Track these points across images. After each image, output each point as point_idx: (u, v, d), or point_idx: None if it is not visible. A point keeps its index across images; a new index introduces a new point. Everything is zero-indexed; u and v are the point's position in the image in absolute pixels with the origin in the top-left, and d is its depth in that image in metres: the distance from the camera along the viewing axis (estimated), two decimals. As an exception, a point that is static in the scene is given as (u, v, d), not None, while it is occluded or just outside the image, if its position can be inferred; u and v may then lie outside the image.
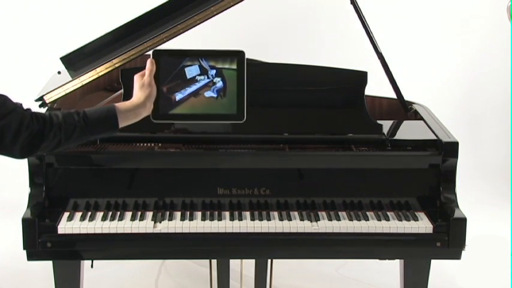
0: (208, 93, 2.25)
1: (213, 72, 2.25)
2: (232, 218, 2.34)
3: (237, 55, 2.26)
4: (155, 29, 2.66)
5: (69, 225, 2.29)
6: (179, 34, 2.58)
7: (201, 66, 2.25)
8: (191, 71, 2.24)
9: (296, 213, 2.38)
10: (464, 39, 4.89)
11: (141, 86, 2.16)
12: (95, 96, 2.85)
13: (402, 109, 2.78)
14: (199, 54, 2.25)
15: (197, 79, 2.25)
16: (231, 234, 2.31)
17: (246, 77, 2.26)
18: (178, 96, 2.24)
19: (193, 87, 2.25)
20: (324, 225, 2.33)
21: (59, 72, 2.91)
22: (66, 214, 2.33)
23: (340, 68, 2.55)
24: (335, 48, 4.74)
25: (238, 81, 2.25)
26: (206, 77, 2.25)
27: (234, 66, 2.26)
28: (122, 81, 2.42)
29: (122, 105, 2.13)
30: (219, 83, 2.25)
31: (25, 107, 2.02)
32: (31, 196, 2.32)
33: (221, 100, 2.26)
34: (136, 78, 2.18)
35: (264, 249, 2.38)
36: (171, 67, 2.23)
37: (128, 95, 2.26)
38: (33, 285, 3.37)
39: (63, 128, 2.03)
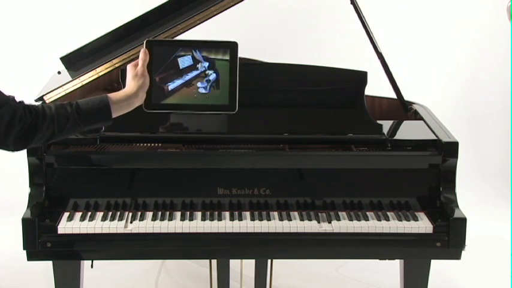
0: (201, 84, 2.24)
1: (206, 63, 2.23)
2: (232, 218, 2.34)
3: (230, 46, 2.24)
4: (155, 29, 2.66)
5: (69, 225, 2.29)
6: (179, 34, 2.59)
7: (194, 57, 2.23)
8: (184, 61, 2.22)
9: (296, 213, 2.38)
10: (464, 39, 4.89)
11: (134, 75, 2.15)
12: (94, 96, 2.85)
13: (402, 109, 2.78)
14: (193, 44, 2.24)
15: (190, 70, 2.23)
16: (231, 234, 2.31)
17: (238, 68, 2.23)
18: (171, 86, 2.22)
19: (186, 78, 2.23)
20: (324, 225, 2.33)
21: (59, 72, 2.91)
22: (66, 214, 2.33)
23: (340, 68, 2.55)
24: (335, 48, 4.74)
25: (231, 72, 2.23)
26: (199, 68, 2.23)
27: (227, 57, 2.24)
28: (121, 81, 2.42)
29: (114, 95, 2.13)
30: (212, 74, 2.23)
31: (18, 99, 2.02)
32: (31, 196, 2.32)
33: (214, 91, 2.24)
34: (129, 68, 2.18)
35: (264, 249, 2.38)
36: (164, 57, 2.22)
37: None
38: (33, 285, 3.37)
39: (56, 119, 2.03)
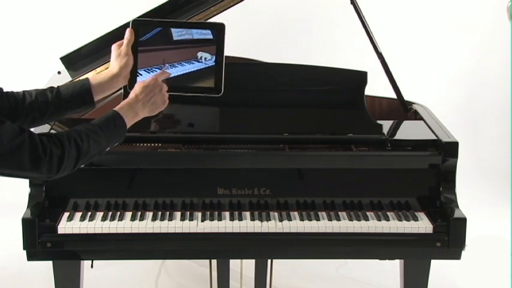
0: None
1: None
2: (232, 218, 2.34)
3: (216, 27, 2.21)
4: (155, 29, 2.65)
5: (69, 225, 2.29)
6: (179, 34, 2.58)
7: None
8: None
9: (296, 213, 2.38)
10: (464, 39, 4.89)
11: (118, 55, 2.12)
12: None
13: (402, 109, 2.78)
14: (179, 25, 2.21)
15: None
16: (231, 234, 2.31)
17: (224, 50, 2.19)
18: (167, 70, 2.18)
19: (185, 69, 2.19)
20: (324, 225, 2.33)
21: (59, 72, 2.91)
22: (66, 214, 2.33)
23: (340, 68, 2.56)
24: (335, 48, 4.74)
25: (217, 54, 2.21)
26: (199, 61, 2.20)
27: (214, 39, 2.21)
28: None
29: (96, 77, 2.10)
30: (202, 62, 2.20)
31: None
32: (31, 196, 2.32)
33: (199, 73, 2.21)
34: (114, 48, 2.15)
35: (264, 249, 2.38)
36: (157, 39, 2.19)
37: (127, 96, 2.26)
38: (33, 285, 3.37)
39: (36, 106, 2.02)
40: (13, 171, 1.82)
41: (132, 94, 2.08)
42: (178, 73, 2.19)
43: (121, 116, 2.01)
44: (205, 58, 2.19)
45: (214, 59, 2.18)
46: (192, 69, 2.19)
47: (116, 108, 2.04)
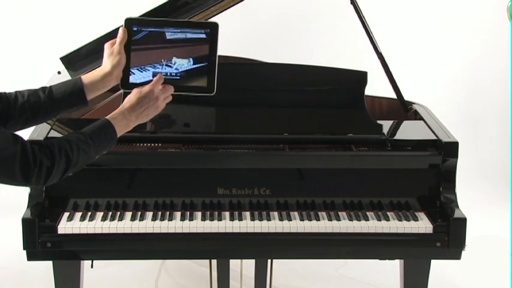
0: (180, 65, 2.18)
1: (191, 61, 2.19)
2: (232, 218, 2.34)
3: (210, 27, 2.19)
4: (155, 29, 2.65)
5: (69, 225, 2.29)
6: (179, 34, 2.58)
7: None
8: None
9: (296, 213, 2.38)
10: (464, 39, 4.89)
11: (110, 54, 2.10)
12: (94, 97, 2.84)
13: (402, 109, 2.78)
14: (173, 24, 2.20)
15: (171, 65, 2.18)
16: (231, 234, 2.31)
17: (217, 50, 2.16)
18: (152, 69, 2.17)
19: (174, 69, 2.18)
20: (324, 225, 2.33)
21: (59, 72, 2.91)
22: (66, 214, 2.34)
23: (340, 68, 2.56)
24: (335, 48, 4.74)
25: (210, 54, 2.21)
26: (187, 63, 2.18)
27: (207, 38, 2.20)
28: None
29: (88, 76, 2.09)
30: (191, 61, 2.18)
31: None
32: (31, 196, 2.32)
33: (192, 72, 2.21)
34: (106, 46, 2.13)
35: (264, 249, 2.38)
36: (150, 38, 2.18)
37: (127, 96, 2.25)
38: (33, 285, 3.37)
39: (28, 106, 2.01)
40: (3, 179, 1.84)
41: (127, 103, 2.07)
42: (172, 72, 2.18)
43: (113, 125, 2.01)
44: (175, 63, 2.17)
45: (191, 62, 2.16)
46: (185, 69, 2.18)
47: (108, 117, 2.03)
